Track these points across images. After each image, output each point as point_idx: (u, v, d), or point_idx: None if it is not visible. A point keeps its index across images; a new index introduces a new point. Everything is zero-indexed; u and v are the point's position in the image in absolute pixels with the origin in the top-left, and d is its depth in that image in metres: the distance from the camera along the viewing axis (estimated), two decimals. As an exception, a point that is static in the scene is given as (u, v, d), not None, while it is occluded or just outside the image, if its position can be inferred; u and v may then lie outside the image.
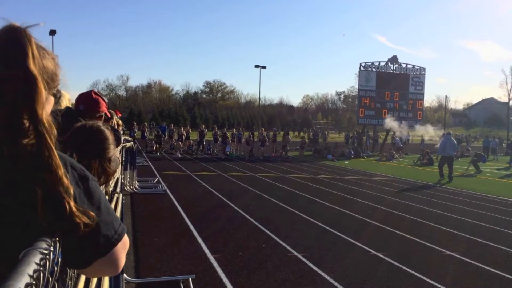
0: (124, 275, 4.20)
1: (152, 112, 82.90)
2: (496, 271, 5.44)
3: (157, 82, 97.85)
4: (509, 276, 5.26)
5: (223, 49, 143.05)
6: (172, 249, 5.81)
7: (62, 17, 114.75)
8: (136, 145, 17.07)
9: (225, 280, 4.70)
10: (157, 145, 23.88)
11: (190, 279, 4.55)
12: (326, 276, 4.96)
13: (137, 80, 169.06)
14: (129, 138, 16.10)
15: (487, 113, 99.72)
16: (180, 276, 4.67)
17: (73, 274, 1.08)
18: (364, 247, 6.31)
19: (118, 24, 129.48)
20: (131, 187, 10.52)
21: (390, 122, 29.75)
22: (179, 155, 23.42)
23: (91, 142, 1.61)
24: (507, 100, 63.29)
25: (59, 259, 0.91)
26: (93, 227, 0.96)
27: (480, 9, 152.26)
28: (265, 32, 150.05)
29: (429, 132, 30.17)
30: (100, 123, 1.78)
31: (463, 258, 5.99)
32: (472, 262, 5.81)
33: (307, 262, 5.46)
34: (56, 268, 0.90)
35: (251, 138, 28.72)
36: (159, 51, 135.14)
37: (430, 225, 8.12)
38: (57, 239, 0.91)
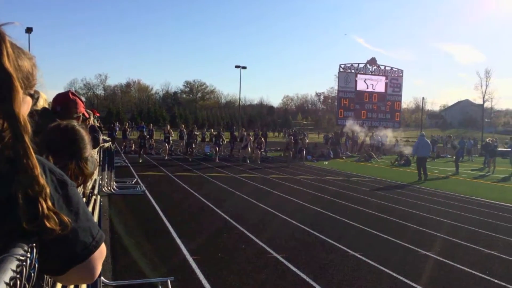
0: (102, 277, 4.16)
1: (131, 111, 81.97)
2: (470, 271, 5.57)
3: (136, 82, 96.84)
4: (483, 276, 5.40)
5: (203, 49, 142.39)
6: (150, 250, 5.77)
7: (39, 15, 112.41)
8: (114, 145, 16.89)
9: (204, 282, 4.69)
10: (140, 150, 20.83)
11: (168, 281, 4.52)
12: (305, 277, 5.00)
13: (116, 79, 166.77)
14: (107, 138, 15.90)
15: (463, 115, 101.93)
16: (159, 278, 4.65)
17: (49, 280, 1.07)
18: (343, 247, 6.38)
19: (96, 22, 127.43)
20: (109, 188, 10.40)
21: (351, 125, 30.26)
22: (166, 157, 21.51)
23: (66, 142, 1.58)
24: (481, 102, 64.76)
25: (36, 265, 0.91)
26: (70, 233, 0.96)
27: (456, 12, 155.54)
28: (245, 32, 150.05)
29: (388, 135, 30.69)
30: (75, 123, 1.75)
31: (438, 257, 6.12)
32: (447, 261, 5.94)
33: (287, 263, 5.49)
34: (33, 275, 0.89)
35: (237, 138, 28.43)
36: (139, 50, 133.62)
37: (405, 225, 8.27)
38: (34, 244, 0.90)
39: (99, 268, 1.07)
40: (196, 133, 25.95)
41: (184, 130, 26.04)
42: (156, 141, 26.22)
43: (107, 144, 10.81)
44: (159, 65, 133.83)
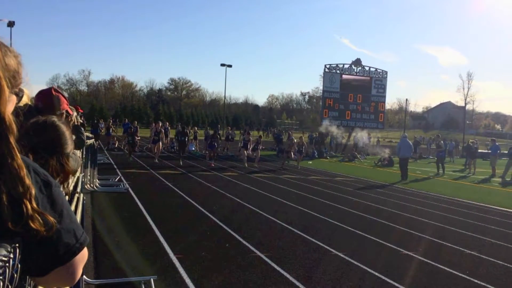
0: (84, 276, 4.10)
1: (115, 108, 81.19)
2: (451, 271, 5.66)
3: (120, 78, 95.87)
4: (464, 276, 5.49)
5: (189, 46, 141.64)
6: (133, 249, 5.72)
7: (21, 8, 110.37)
8: (97, 142, 16.66)
9: (188, 280, 4.67)
10: (129, 149, 18.93)
11: (151, 280, 4.48)
12: (288, 276, 5.01)
13: (99, 75, 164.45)
14: (90, 135, 15.69)
15: (445, 117, 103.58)
16: (142, 277, 4.60)
17: (31, 281, 1.05)
18: (326, 247, 6.41)
19: (79, 17, 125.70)
20: (92, 185, 10.27)
21: (327, 126, 30.56)
22: (157, 161, 18.34)
23: (46, 138, 1.53)
24: (463, 105, 65.80)
25: (19, 266, 0.89)
26: (54, 234, 0.94)
27: (439, 15, 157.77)
28: (231, 30, 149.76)
29: (363, 136, 31.02)
30: (55, 118, 1.70)
31: (420, 258, 6.19)
32: (429, 261, 6.02)
33: (270, 262, 5.50)
34: (16, 275, 0.88)
35: (227, 136, 28.21)
36: (123, 46, 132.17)
37: (389, 225, 8.36)
38: (17, 245, 0.88)
39: (80, 272, 1.05)
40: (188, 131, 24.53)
41: (169, 127, 25.24)
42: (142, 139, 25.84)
43: (90, 141, 10.67)
44: (143, 61, 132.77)
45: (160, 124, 20.02)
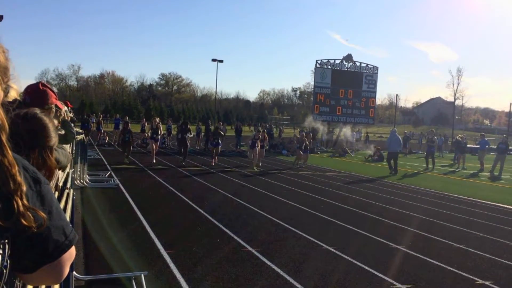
0: (74, 272, 4.09)
1: (105, 103, 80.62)
2: (439, 264, 5.73)
3: (110, 73, 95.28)
4: (452, 269, 5.56)
5: (180, 41, 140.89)
6: (124, 244, 5.70)
7: (9, 3, 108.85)
8: (88, 137, 16.54)
9: (179, 276, 4.67)
10: (125, 149, 16.28)
11: (142, 275, 4.48)
12: (279, 270, 5.04)
13: (89, 70, 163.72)
14: (80, 130, 15.59)
15: (434, 112, 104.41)
16: (133, 273, 4.60)
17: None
18: (317, 241, 6.45)
19: (69, 11, 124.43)
20: (82, 181, 10.22)
21: (311, 122, 30.76)
22: (154, 161, 16.51)
23: (28, 131, 1.47)
24: (453, 100, 66.35)
25: (8, 262, 0.89)
26: (44, 231, 0.94)
27: (430, 11, 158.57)
28: (223, 26, 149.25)
29: (347, 132, 31.26)
30: (37, 110, 1.64)
31: (409, 251, 6.26)
32: (418, 255, 6.09)
33: (261, 256, 5.52)
34: (5, 271, 0.88)
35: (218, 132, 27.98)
36: (113, 41, 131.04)
37: (378, 220, 8.42)
38: (6, 241, 0.88)
39: (67, 270, 1.05)
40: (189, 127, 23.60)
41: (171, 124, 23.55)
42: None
43: (80, 137, 10.61)
44: (134, 56, 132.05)
45: (157, 120, 17.93)
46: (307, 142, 19.27)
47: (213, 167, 16.24)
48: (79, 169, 9.97)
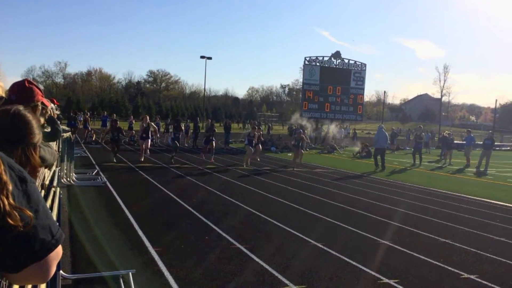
0: (61, 271, 4.06)
1: (92, 101, 79.94)
2: (426, 258, 5.79)
3: (97, 70, 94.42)
4: (438, 263, 5.63)
5: (168, 38, 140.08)
6: (111, 243, 5.67)
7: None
8: (74, 135, 16.37)
9: (167, 273, 4.66)
10: (114, 147, 15.61)
11: (130, 273, 4.46)
12: (268, 267, 5.05)
13: (76, 67, 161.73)
14: (67, 128, 15.43)
15: (422, 108, 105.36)
16: (120, 271, 4.58)
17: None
18: (306, 238, 6.48)
19: (56, 7, 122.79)
20: (68, 179, 10.13)
21: (298, 119, 30.96)
22: (142, 159, 16.18)
23: (10, 128, 1.44)
24: (440, 97, 67.02)
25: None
26: (30, 230, 0.93)
27: (417, 8, 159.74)
28: (211, 23, 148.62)
29: (333, 129, 31.49)
30: (20, 107, 1.61)
31: (395, 246, 6.32)
32: (404, 250, 6.15)
33: (250, 253, 5.54)
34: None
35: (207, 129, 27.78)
36: (100, 38, 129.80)
37: (366, 215, 8.49)
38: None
39: (54, 269, 1.05)
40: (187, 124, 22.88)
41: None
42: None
43: (66, 134, 10.51)
44: (121, 53, 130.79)
45: (148, 118, 17.51)
46: (304, 140, 19.10)
47: (201, 164, 16.20)
48: (65, 167, 9.88)
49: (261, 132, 17.42)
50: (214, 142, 17.70)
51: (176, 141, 17.23)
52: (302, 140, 18.10)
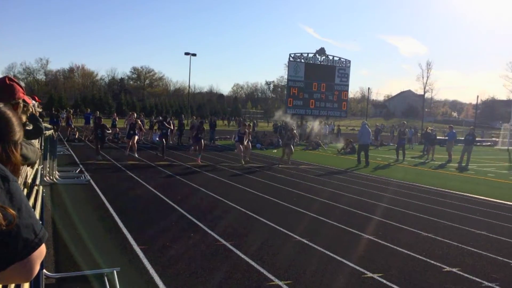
0: (44, 270, 4.02)
1: (75, 98, 78.90)
2: (409, 252, 5.88)
3: (80, 67, 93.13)
4: (420, 257, 5.72)
5: (151, 34, 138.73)
6: (95, 241, 5.63)
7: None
8: (57, 133, 16.15)
9: (152, 271, 4.65)
10: (97, 144, 15.16)
11: (115, 271, 4.44)
12: (253, 263, 5.08)
13: (58, 64, 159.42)
14: (49, 126, 15.22)
15: (405, 105, 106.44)
16: (104, 269, 4.55)
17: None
18: (290, 233, 6.52)
19: (36, 2, 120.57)
20: (51, 177, 10.00)
21: (281, 116, 31.17)
22: (127, 155, 16.03)
23: None
24: (422, 93, 67.83)
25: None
26: (13, 229, 0.93)
27: (401, 5, 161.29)
28: (195, 19, 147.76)
29: (315, 125, 31.72)
30: (0, 104, 1.58)
31: (379, 241, 6.40)
32: (388, 244, 6.24)
33: (235, 250, 5.55)
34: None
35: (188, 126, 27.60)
36: (83, 34, 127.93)
37: (350, 211, 8.57)
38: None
39: (37, 268, 1.04)
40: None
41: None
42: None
43: (49, 132, 10.37)
44: (104, 50, 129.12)
45: (135, 115, 17.47)
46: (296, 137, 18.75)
47: (187, 161, 16.14)
48: (48, 165, 9.76)
49: (250, 130, 16.72)
50: (203, 141, 17.12)
51: (163, 138, 16.95)
52: (294, 138, 17.84)
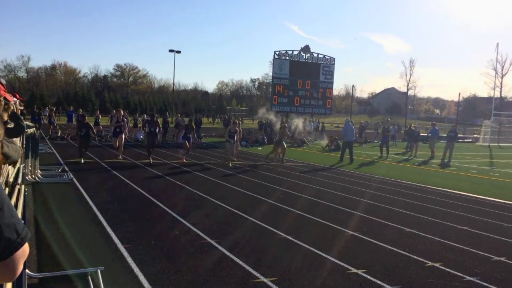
0: (26, 270, 3.96)
1: (57, 95, 77.79)
2: (392, 248, 5.96)
3: (62, 64, 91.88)
4: (404, 252, 5.79)
5: (136, 31, 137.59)
6: (79, 240, 5.57)
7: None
8: (39, 131, 15.92)
9: (137, 270, 4.62)
10: (81, 145, 14.10)
11: (98, 271, 4.40)
12: (238, 260, 5.08)
13: (40, 61, 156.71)
14: (31, 124, 14.97)
15: (389, 102, 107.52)
16: (88, 269, 4.50)
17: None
18: (275, 230, 6.55)
19: (17, 0, 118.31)
20: (33, 176, 9.86)
21: (264, 113, 31.26)
22: (121, 157, 15.28)
23: None
24: (406, 90, 68.51)
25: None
26: None
27: (384, 3, 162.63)
28: (180, 16, 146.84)
29: (299, 123, 31.93)
30: None
31: (364, 237, 6.47)
32: (372, 240, 6.30)
33: (220, 247, 5.55)
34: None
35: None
36: (65, 31, 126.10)
37: (335, 207, 8.63)
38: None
39: (20, 268, 1.03)
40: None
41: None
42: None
43: (30, 130, 10.21)
44: (87, 47, 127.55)
45: (122, 113, 16.42)
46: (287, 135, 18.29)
47: (172, 159, 16.05)
48: (30, 164, 9.62)
49: (238, 128, 16.28)
50: (191, 140, 16.46)
51: (152, 137, 15.86)
52: (285, 136, 17.36)
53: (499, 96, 69.36)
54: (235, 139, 15.96)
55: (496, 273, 5.15)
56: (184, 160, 15.67)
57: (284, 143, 17.00)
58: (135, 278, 4.43)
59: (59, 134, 24.26)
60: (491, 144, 37.29)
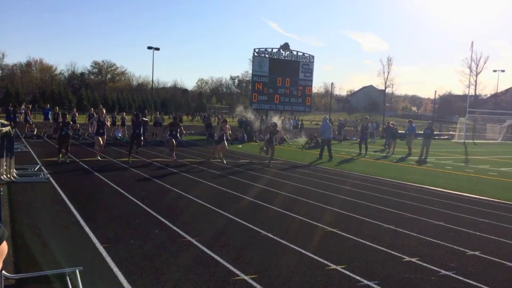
0: (3, 271, 3.88)
1: (33, 93, 76.16)
2: (371, 244, 6.04)
3: (37, 61, 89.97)
4: (382, 248, 5.89)
5: (113, 27, 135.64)
6: (56, 240, 5.48)
7: None
8: (14, 129, 15.56)
9: (116, 269, 4.58)
10: (61, 144, 13.62)
11: (77, 271, 4.34)
12: (219, 259, 5.08)
13: (15, 57, 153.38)
14: (5, 122, 14.62)
15: (367, 100, 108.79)
16: (66, 269, 4.44)
17: None
18: (255, 228, 6.57)
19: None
20: (9, 175, 9.64)
21: (242, 111, 31.44)
22: (99, 158, 14.65)
23: None
24: (384, 88, 69.39)
25: None
26: None
27: (362, 2, 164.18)
28: (159, 12, 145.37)
29: (277, 120, 32.19)
30: None
31: (343, 233, 6.54)
32: (351, 237, 6.38)
33: (201, 246, 5.54)
34: None
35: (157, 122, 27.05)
36: (40, 26, 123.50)
37: (314, 204, 8.71)
38: None
39: None
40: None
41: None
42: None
43: (5, 129, 9.98)
44: (64, 43, 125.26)
45: (104, 111, 15.56)
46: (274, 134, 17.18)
47: (148, 156, 15.91)
48: (5, 163, 9.41)
49: (227, 126, 16.08)
50: (178, 138, 16.20)
51: (136, 138, 15.46)
52: (276, 134, 16.81)
53: (473, 94, 70.95)
54: (224, 137, 15.70)
55: (471, 267, 5.29)
56: (175, 158, 15.43)
57: (273, 143, 16.12)
58: (114, 278, 4.38)
59: (35, 133, 23.77)
60: (466, 141, 38.12)
